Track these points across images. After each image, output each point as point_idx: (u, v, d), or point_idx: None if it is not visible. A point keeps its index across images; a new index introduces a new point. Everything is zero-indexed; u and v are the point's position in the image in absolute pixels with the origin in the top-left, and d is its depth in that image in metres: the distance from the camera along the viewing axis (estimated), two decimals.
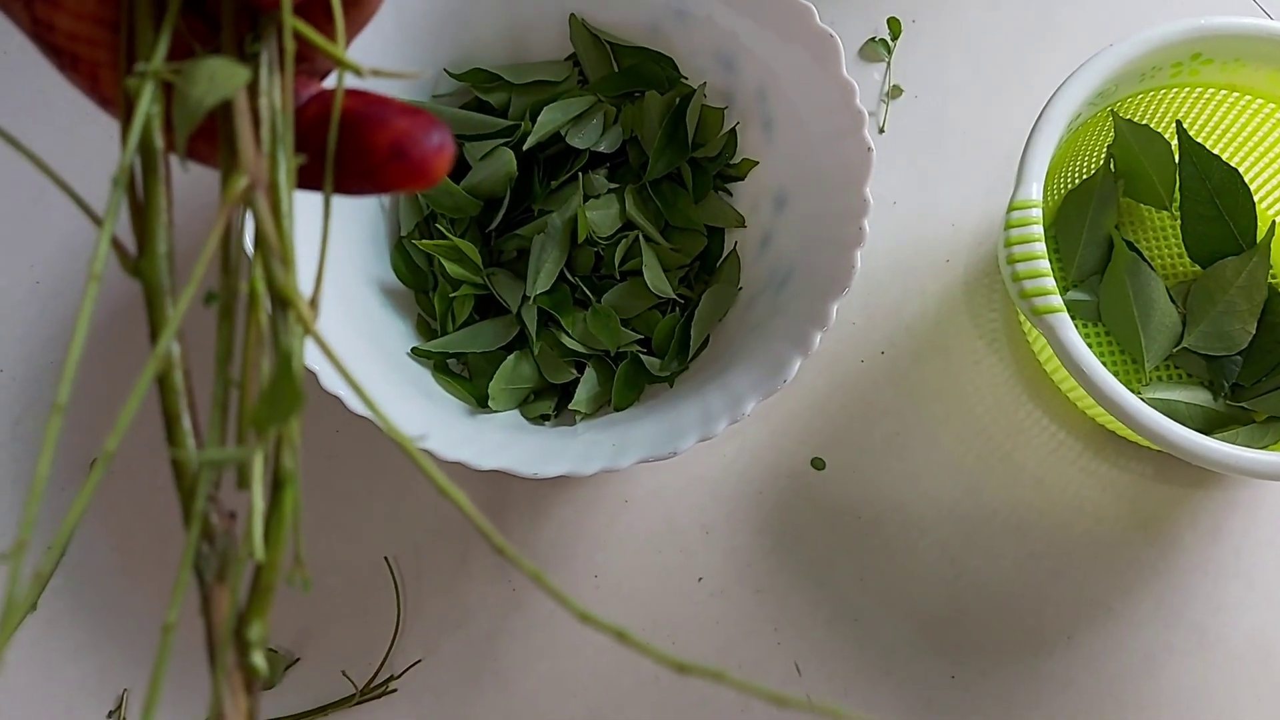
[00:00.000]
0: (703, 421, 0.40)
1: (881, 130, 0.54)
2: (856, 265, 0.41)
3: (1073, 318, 0.50)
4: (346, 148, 0.23)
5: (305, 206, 0.42)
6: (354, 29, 0.24)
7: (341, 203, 0.45)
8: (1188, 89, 0.49)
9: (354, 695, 0.43)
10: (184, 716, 0.43)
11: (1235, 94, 0.48)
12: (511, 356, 0.45)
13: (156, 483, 0.47)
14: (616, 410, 0.45)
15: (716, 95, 0.48)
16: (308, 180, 0.24)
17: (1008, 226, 0.42)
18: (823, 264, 0.42)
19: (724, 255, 0.48)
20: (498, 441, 0.41)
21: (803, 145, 0.45)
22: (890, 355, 0.50)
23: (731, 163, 0.48)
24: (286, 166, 0.23)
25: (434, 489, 0.47)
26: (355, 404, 0.39)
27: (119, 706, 0.44)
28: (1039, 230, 0.42)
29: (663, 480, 0.47)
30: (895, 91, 0.54)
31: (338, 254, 0.44)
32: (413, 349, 0.45)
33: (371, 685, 0.44)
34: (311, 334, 0.20)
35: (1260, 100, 0.48)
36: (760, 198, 0.47)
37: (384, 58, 0.45)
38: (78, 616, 0.45)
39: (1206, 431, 0.47)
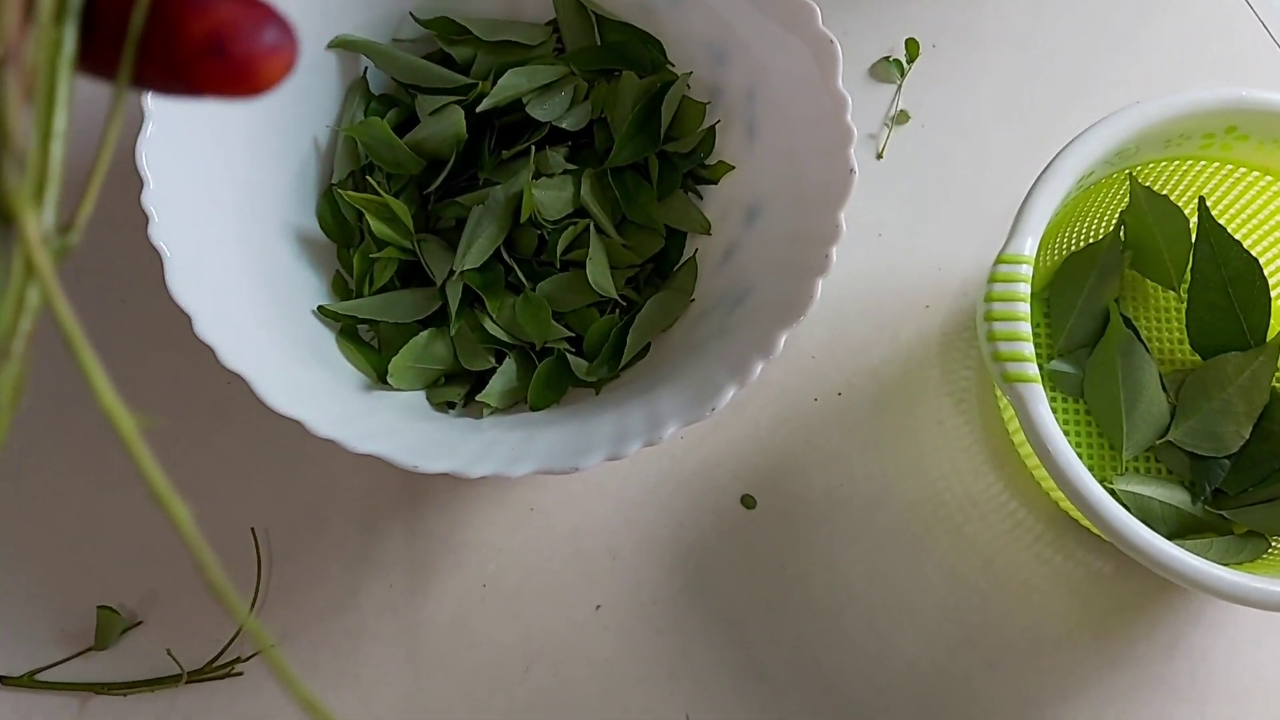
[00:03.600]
0: (615, 439, 0.35)
1: (880, 155, 0.49)
2: (816, 295, 0.37)
3: (1052, 389, 0.46)
4: (154, 32, 0.19)
5: (227, 133, 0.38)
6: None
7: (272, 138, 0.41)
8: (1216, 164, 0.44)
9: (182, 675, 0.38)
10: None
11: (1269, 178, 0.44)
12: (426, 332, 0.41)
13: (18, 409, 0.43)
14: (531, 409, 0.41)
15: (701, 88, 0.43)
16: (100, 67, 0.19)
17: (992, 280, 0.38)
18: (781, 289, 0.38)
19: (681, 262, 0.44)
20: (386, 424, 0.37)
21: (786, 157, 0.40)
22: (848, 398, 0.45)
23: (706, 163, 0.44)
24: (66, 47, 0.19)
25: (328, 465, 0.42)
26: (229, 358, 0.35)
27: None
28: (1025, 289, 0.38)
29: (574, 492, 0.43)
30: (902, 117, 0.50)
31: (256, 192, 0.40)
32: (319, 307, 0.41)
33: (213, 664, 0.39)
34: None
35: None
36: (731, 206, 0.43)
37: None
38: None
39: (1178, 536, 0.43)
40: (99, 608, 0.40)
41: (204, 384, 0.43)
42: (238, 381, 0.43)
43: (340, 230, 0.43)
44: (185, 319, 0.42)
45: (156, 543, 0.41)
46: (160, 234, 0.36)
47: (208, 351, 0.43)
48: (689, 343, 0.40)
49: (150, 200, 0.36)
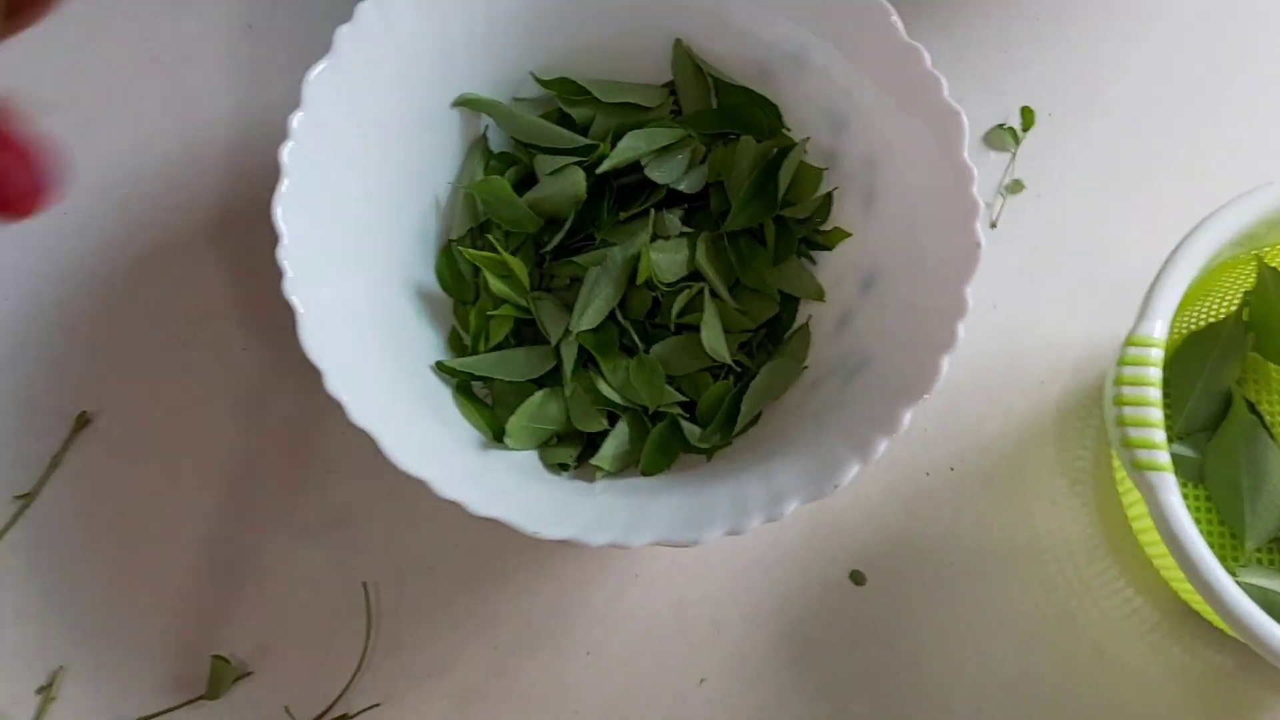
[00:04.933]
0: (734, 512, 0.35)
1: (993, 225, 0.48)
2: (942, 372, 0.36)
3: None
4: None
5: (334, 193, 0.39)
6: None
7: (396, 194, 0.42)
8: None
9: None
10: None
11: None
12: (541, 392, 0.41)
13: (136, 451, 0.43)
14: (643, 474, 0.40)
15: (819, 154, 0.43)
16: None
17: (1122, 363, 0.37)
18: (904, 362, 0.37)
19: (794, 328, 0.43)
20: (505, 485, 0.37)
21: (905, 226, 0.40)
22: (959, 474, 0.44)
23: (821, 229, 0.43)
24: None
25: (439, 520, 0.42)
26: (357, 414, 0.35)
27: (50, 684, 0.41)
28: (1156, 374, 0.37)
29: (679, 560, 0.43)
30: (1016, 186, 0.49)
31: (379, 247, 0.41)
32: (438, 363, 0.41)
33: (322, 718, 0.39)
34: None
35: None
36: (846, 273, 0.42)
37: (469, 51, 0.42)
38: (28, 578, 0.42)
39: None
40: (213, 657, 0.40)
41: (317, 433, 0.44)
42: (350, 432, 0.43)
43: (457, 286, 0.43)
44: (302, 367, 0.43)
45: (270, 593, 0.42)
46: (293, 288, 0.36)
47: (322, 401, 0.43)
48: (803, 412, 0.40)
49: (285, 255, 0.36)
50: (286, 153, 0.37)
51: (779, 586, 0.43)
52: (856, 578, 0.43)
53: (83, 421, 0.43)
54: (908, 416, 0.35)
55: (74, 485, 0.43)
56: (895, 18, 0.39)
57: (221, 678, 0.40)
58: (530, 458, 0.41)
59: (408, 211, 0.43)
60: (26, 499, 0.42)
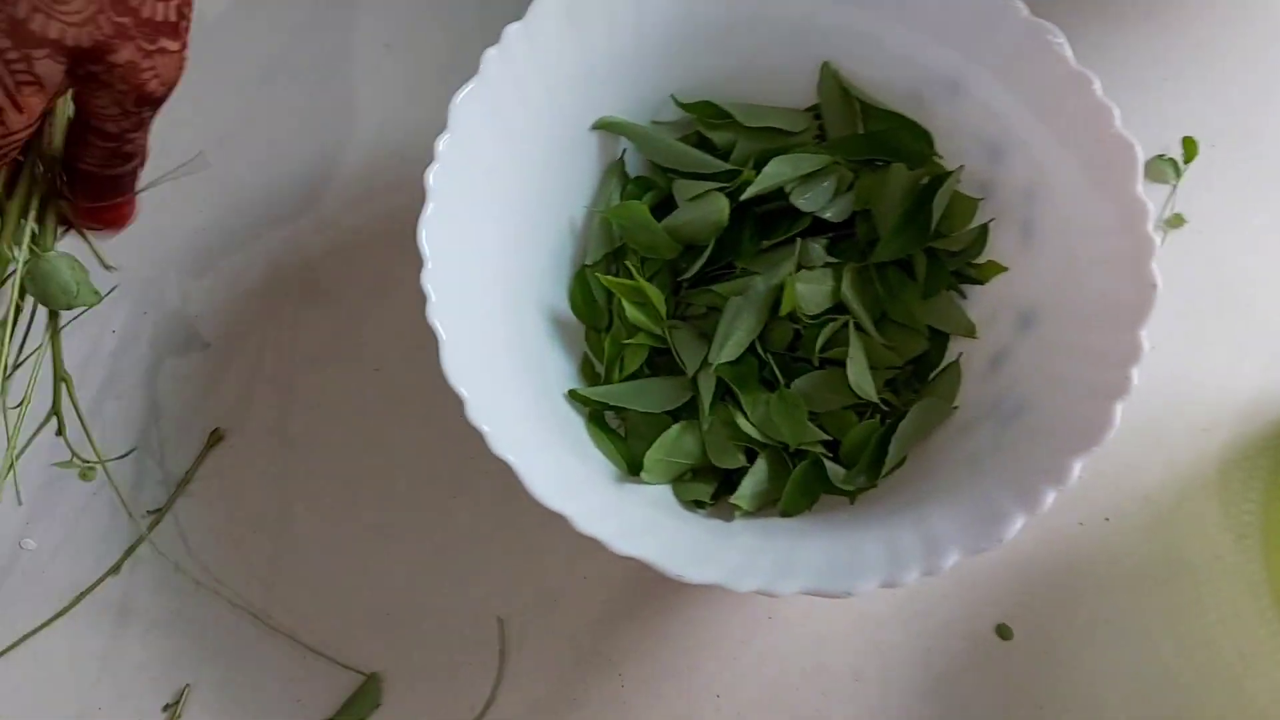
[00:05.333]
0: (889, 562, 0.33)
1: None
2: (1115, 421, 0.34)
3: None
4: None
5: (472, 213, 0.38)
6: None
7: (534, 217, 0.41)
8: None
9: None
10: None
11: None
12: (677, 425, 0.39)
13: (267, 469, 0.43)
14: (782, 515, 0.39)
15: (973, 184, 0.41)
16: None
17: None
18: (1070, 408, 0.35)
19: (942, 365, 0.41)
20: (643, 521, 0.36)
21: (1067, 263, 0.38)
22: (1115, 524, 0.42)
23: (974, 262, 0.41)
24: None
25: (566, 550, 0.41)
26: (497, 444, 0.34)
27: (178, 701, 0.41)
28: None
29: (816, 603, 0.41)
30: (1176, 220, 0.46)
31: (516, 271, 0.40)
32: (571, 391, 0.40)
33: None
34: None
35: None
36: (1001, 310, 0.40)
37: (611, 73, 0.41)
38: (158, 594, 0.42)
39: None
40: (367, 675, 0.40)
41: (446, 458, 0.43)
42: (480, 459, 0.43)
43: (590, 312, 0.42)
44: (433, 391, 0.42)
45: (397, 618, 0.41)
46: (436, 314, 0.35)
47: (451, 426, 0.42)
48: (955, 456, 0.38)
49: (429, 279, 0.36)
50: (432, 176, 0.37)
51: (920, 638, 0.41)
52: (1003, 632, 0.41)
53: (216, 438, 0.43)
54: (1077, 467, 0.33)
55: (205, 502, 0.43)
56: (1062, 42, 0.37)
57: (366, 699, 0.39)
58: (664, 493, 0.39)
59: (543, 235, 0.42)
60: (158, 514, 0.43)
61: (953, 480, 0.36)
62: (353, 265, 0.46)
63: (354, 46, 0.50)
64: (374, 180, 0.47)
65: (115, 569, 0.42)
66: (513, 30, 0.38)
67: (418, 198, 0.42)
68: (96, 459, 0.40)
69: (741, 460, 0.39)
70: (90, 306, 0.38)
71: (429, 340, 0.43)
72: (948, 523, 0.34)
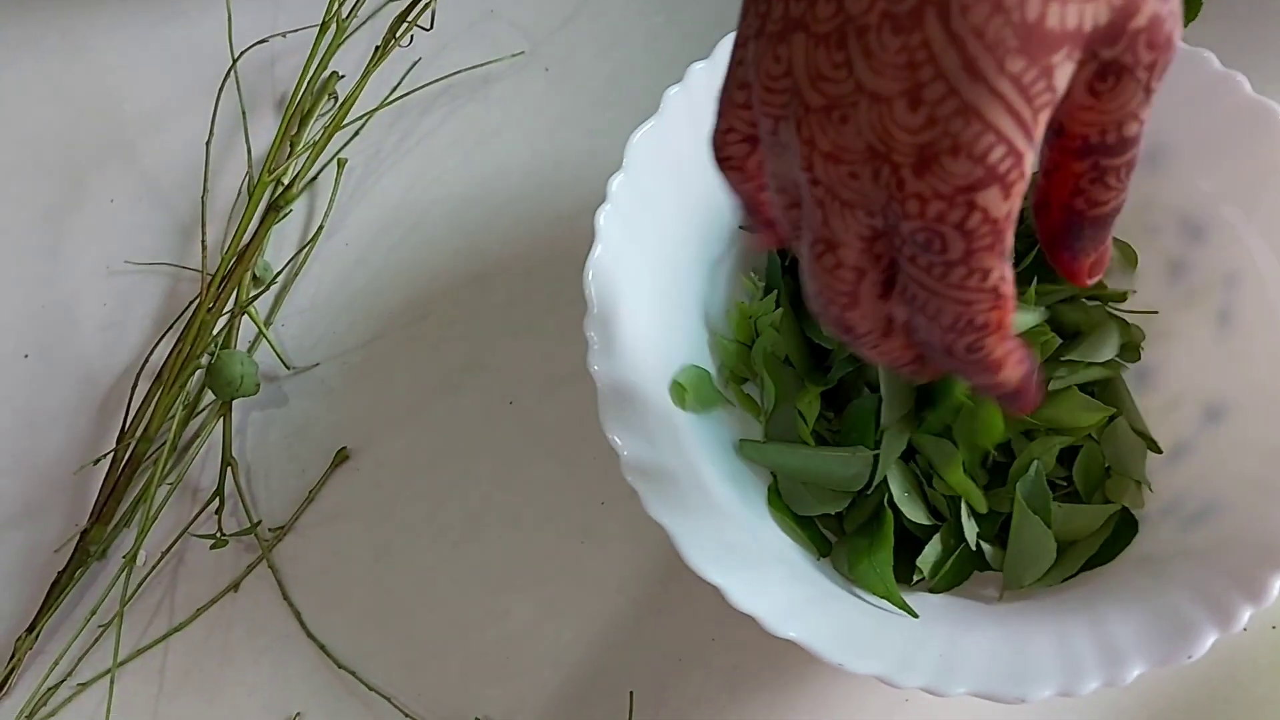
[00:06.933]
0: (1064, 669, 0.31)
1: None
2: None
3: None
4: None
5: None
6: None
7: (685, 263, 0.39)
8: None
9: None
10: None
11: None
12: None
13: (394, 495, 0.42)
14: (931, 591, 0.37)
15: (1163, 262, 0.38)
16: None
17: None
18: (1267, 517, 0.33)
19: None
20: (803, 598, 0.34)
21: (1268, 357, 0.35)
22: None
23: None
24: None
25: (695, 609, 0.39)
26: (653, 507, 0.33)
27: None
28: None
29: None
30: None
31: (668, 326, 0.38)
32: (741, 442, 0.38)
33: None
34: None
35: None
36: (1184, 399, 0.38)
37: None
38: (274, 615, 0.41)
39: None
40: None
41: (576, 499, 0.41)
42: (611, 501, 0.41)
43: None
44: (565, 430, 0.41)
45: (516, 664, 0.40)
46: (597, 361, 0.34)
47: (580, 464, 0.41)
48: (1133, 554, 0.36)
49: (592, 325, 0.34)
50: (603, 217, 0.35)
51: None
52: None
53: (341, 458, 0.42)
54: (1277, 584, 0.31)
55: (327, 525, 0.42)
56: None
57: None
58: (820, 567, 0.37)
59: (700, 265, 0.40)
60: (279, 532, 0.42)
61: (1131, 581, 0.34)
62: (496, 293, 0.45)
63: (509, 67, 0.49)
64: (524, 208, 0.46)
65: (234, 586, 0.41)
66: (698, 69, 0.36)
67: (565, 229, 0.41)
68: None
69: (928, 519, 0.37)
70: (249, 396, 0.42)
71: (567, 376, 0.42)
72: (1128, 629, 0.32)
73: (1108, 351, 0.39)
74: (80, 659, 0.40)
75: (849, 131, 0.21)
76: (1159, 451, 0.38)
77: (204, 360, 0.43)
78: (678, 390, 0.37)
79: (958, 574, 0.37)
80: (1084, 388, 0.39)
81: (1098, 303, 0.39)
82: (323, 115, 0.48)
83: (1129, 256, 0.39)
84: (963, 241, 0.22)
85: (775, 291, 0.40)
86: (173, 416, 0.42)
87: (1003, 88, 0.20)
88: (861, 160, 0.21)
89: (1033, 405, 0.26)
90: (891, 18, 0.20)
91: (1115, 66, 0.22)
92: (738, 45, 0.24)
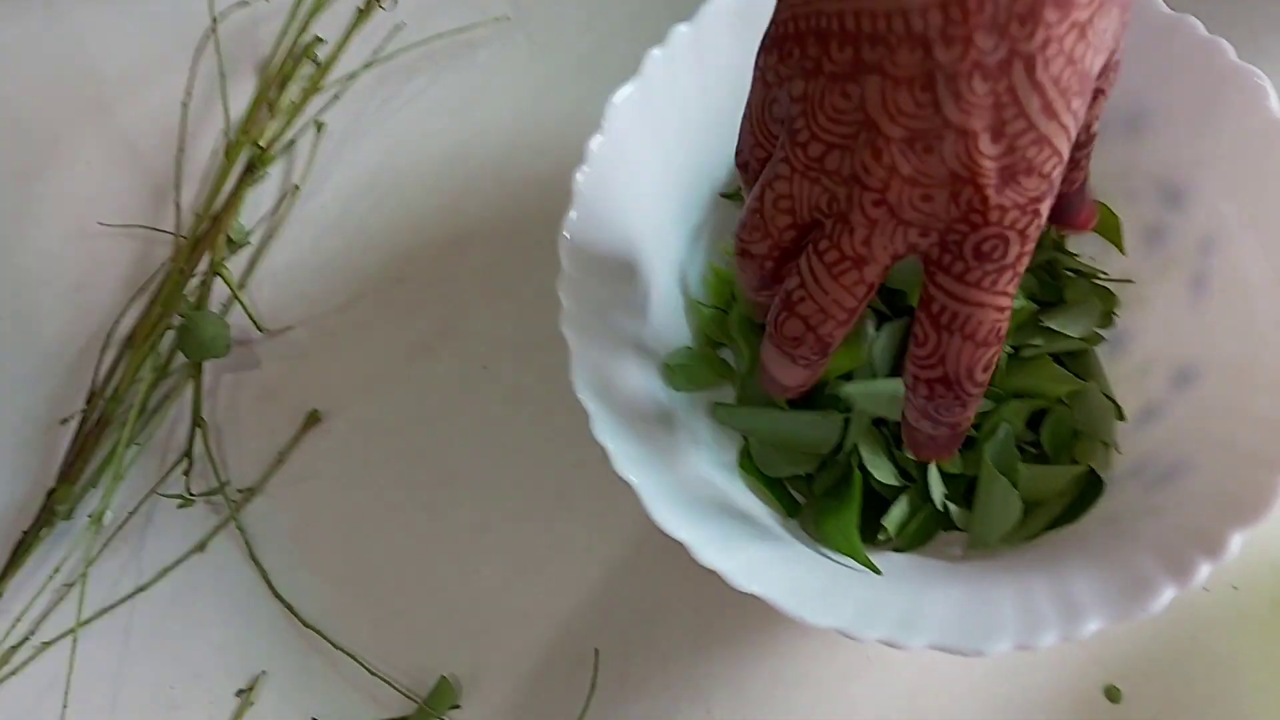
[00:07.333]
0: (1023, 623, 0.31)
1: None
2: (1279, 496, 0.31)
3: None
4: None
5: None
6: None
7: (664, 227, 0.39)
8: None
9: None
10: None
11: None
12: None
13: (365, 458, 0.42)
14: (896, 551, 0.37)
15: (1140, 227, 0.39)
16: None
17: None
18: (1232, 477, 0.33)
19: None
20: (765, 555, 0.34)
21: (1244, 322, 0.35)
22: (1244, 593, 0.39)
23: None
24: None
25: (660, 567, 0.40)
26: (621, 465, 0.33)
27: (250, 688, 0.39)
28: None
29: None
30: None
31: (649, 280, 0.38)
32: (715, 405, 0.38)
33: None
34: None
35: None
36: (1156, 363, 0.38)
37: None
38: (240, 576, 0.41)
39: None
40: (441, 676, 0.38)
41: (549, 462, 0.41)
42: (582, 467, 0.41)
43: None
44: (543, 393, 0.41)
45: (485, 622, 0.40)
46: (568, 323, 0.34)
47: (557, 429, 0.41)
48: (1093, 512, 0.36)
49: (564, 287, 0.34)
50: (581, 177, 0.35)
51: (1024, 692, 0.39)
52: (1112, 694, 0.39)
53: (313, 420, 0.42)
54: (1237, 541, 0.31)
55: (297, 486, 0.42)
56: (1268, 89, 0.34)
57: (440, 699, 0.38)
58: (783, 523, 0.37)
59: (677, 246, 0.40)
60: (248, 493, 0.42)
61: (1092, 538, 0.34)
62: (475, 257, 0.45)
63: (492, 33, 0.48)
64: (505, 171, 0.46)
65: (201, 546, 0.41)
66: (681, 31, 0.36)
67: (544, 193, 0.41)
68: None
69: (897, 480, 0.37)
70: (220, 357, 0.42)
71: (542, 341, 0.42)
72: (1087, 585, 0.32)
73: (1087, 324, 0.39)
74: (43, 618, 0.40)
75: (933, 160, 0.25)
76: (1124, 420, 0.38)
77: (176, 321, 0.43)
78: (669, 372, 0.37)
79: (923, 533, 0.37)
80: (1055, 355, 0.39)
81: (1076, 274, 0.40)
82: (303, 79, 0.48)
83: (1112, 223, 0.39)
84: (1019, 244, 0.26)
85: None
86: (142, 378, 0.42)
87: (1067, 121, 0.25)
88: (940, 184, 0.25)
89: (950, 455, 0.32)
90: (981, 67, 0.23)
91: (1098, 91, 0.28)
92: (770, 82, 0.27)
